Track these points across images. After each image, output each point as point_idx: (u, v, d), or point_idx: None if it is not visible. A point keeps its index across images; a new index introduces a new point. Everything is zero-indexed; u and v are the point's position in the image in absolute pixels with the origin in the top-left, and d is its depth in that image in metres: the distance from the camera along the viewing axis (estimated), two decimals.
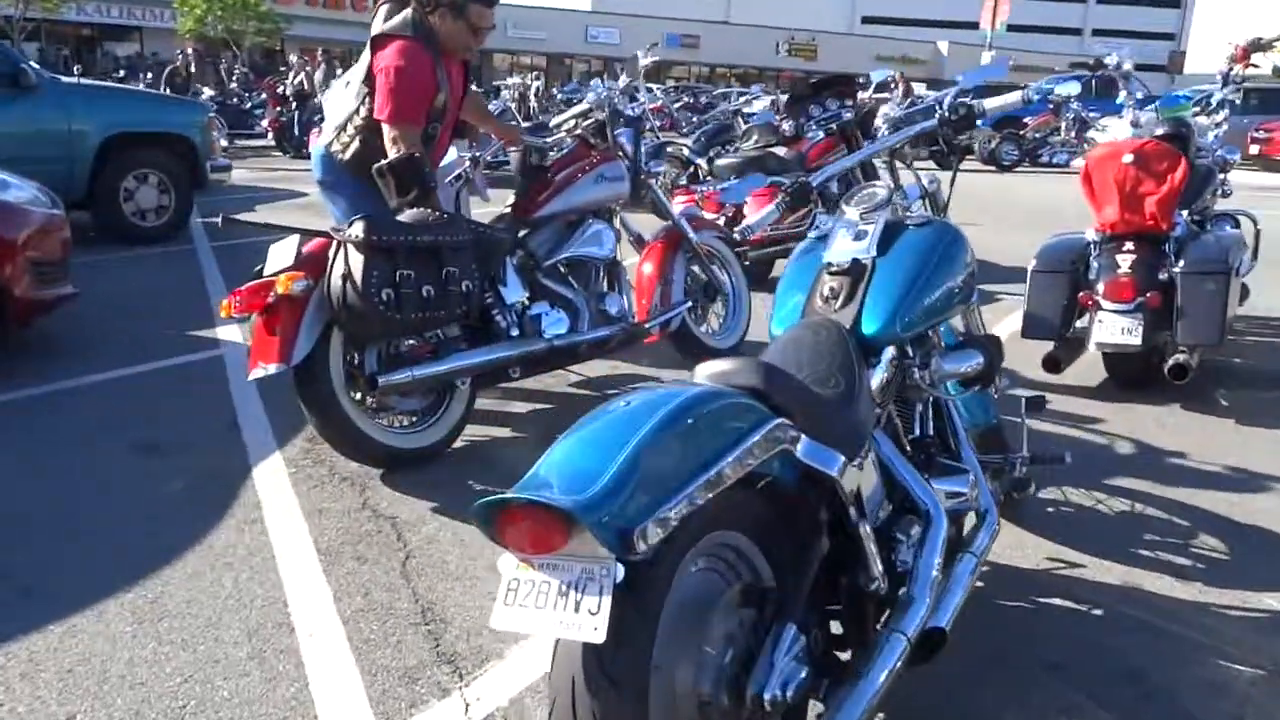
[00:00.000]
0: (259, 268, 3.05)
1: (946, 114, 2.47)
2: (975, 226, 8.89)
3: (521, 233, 3.65)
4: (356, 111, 3.27)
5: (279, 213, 9.08)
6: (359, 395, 3.13)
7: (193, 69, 17.17)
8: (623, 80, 4.29)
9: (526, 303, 3.54)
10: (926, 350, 2.18)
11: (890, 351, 2.05)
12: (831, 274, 2.14)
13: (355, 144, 3.29)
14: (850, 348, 1.92)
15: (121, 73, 19.09)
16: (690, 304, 4.12)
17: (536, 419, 3.72)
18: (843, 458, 1.64)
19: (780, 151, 6.66)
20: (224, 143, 14.31)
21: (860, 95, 7.04)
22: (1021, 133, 17.16)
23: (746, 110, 8.03)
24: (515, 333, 3.43)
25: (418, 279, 2.93)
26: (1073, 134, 14.69)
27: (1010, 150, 17.07)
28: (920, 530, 1.91)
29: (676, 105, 20.55)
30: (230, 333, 4.72)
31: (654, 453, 1.34)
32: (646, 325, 3.83)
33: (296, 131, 15.25)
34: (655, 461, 1.33)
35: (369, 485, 3.06)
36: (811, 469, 1.60)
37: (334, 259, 2.89)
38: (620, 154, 3.99)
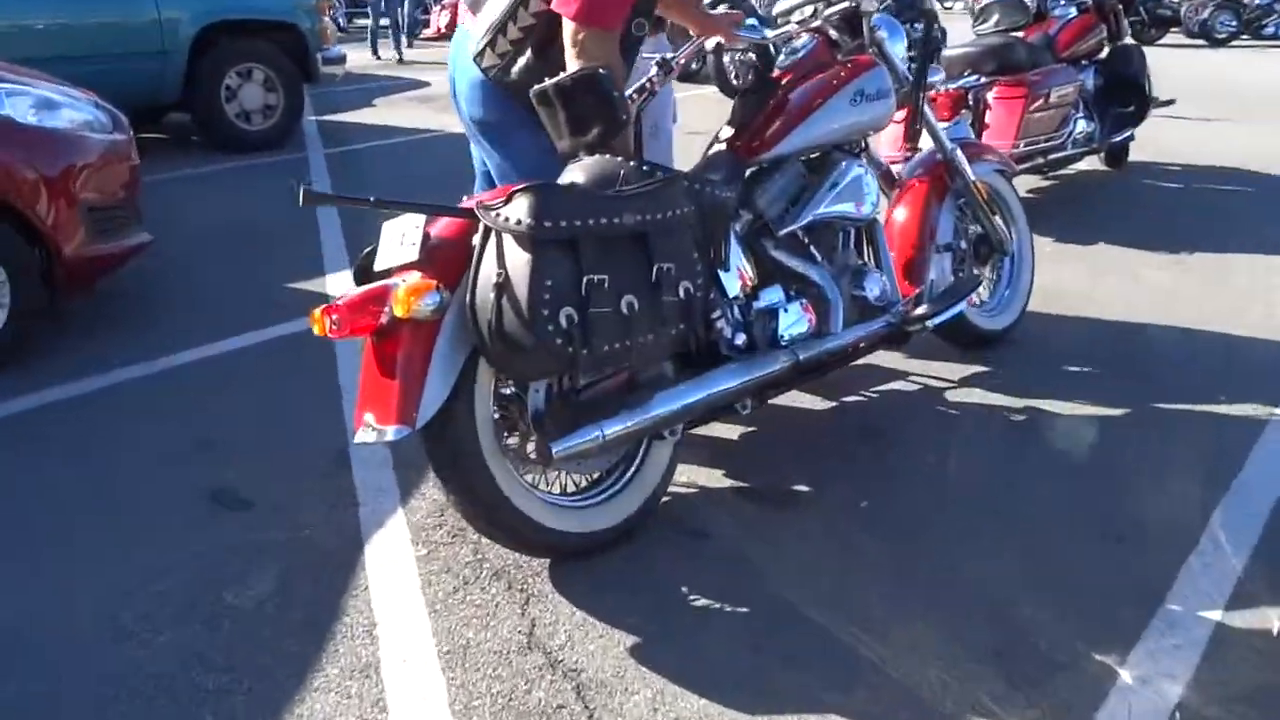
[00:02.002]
0: (368, 251, 1.97)
1: None
2: (1206, 122, 7.06)
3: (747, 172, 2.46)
4: (522, 4, 2.09)
5: (400, 109, 8.04)
6: (511, 440, 2.08)
7: None
8: None
9: (751, 289, 2.39)
10: None
11: None
12: None
13: (524, 57, 2.13)
14: None
15: None
16: (981, 282, 2.87)
17: (754, 447, 2.59)
18: None
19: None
20: (341, 25, 13.26)
21: None
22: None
23: None
24: (740, 340, 2.28)
25: (615, 286, 1.80)
26: None
27: (1227, 20, 14.43)
28: None
29: None
30: (345, 285, 3.72)
31: None
32: (926, 318, 2.58)
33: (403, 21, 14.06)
34: None
35: (532, 591, 2.01)
36: None
37: (481, 256, 1.78)
38: (880, 57, 2.70)
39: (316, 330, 1.83)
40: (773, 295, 2.38)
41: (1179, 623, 1.91)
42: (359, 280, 1.98)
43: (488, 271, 1.76)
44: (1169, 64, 10.25)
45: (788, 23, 2.85)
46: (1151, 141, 5.57)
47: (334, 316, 1.78)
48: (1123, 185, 5.46)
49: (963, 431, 2.67)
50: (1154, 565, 2.08)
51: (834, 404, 2.83)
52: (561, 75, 2.06)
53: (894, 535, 2.19)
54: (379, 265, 1.91)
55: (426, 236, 1.85)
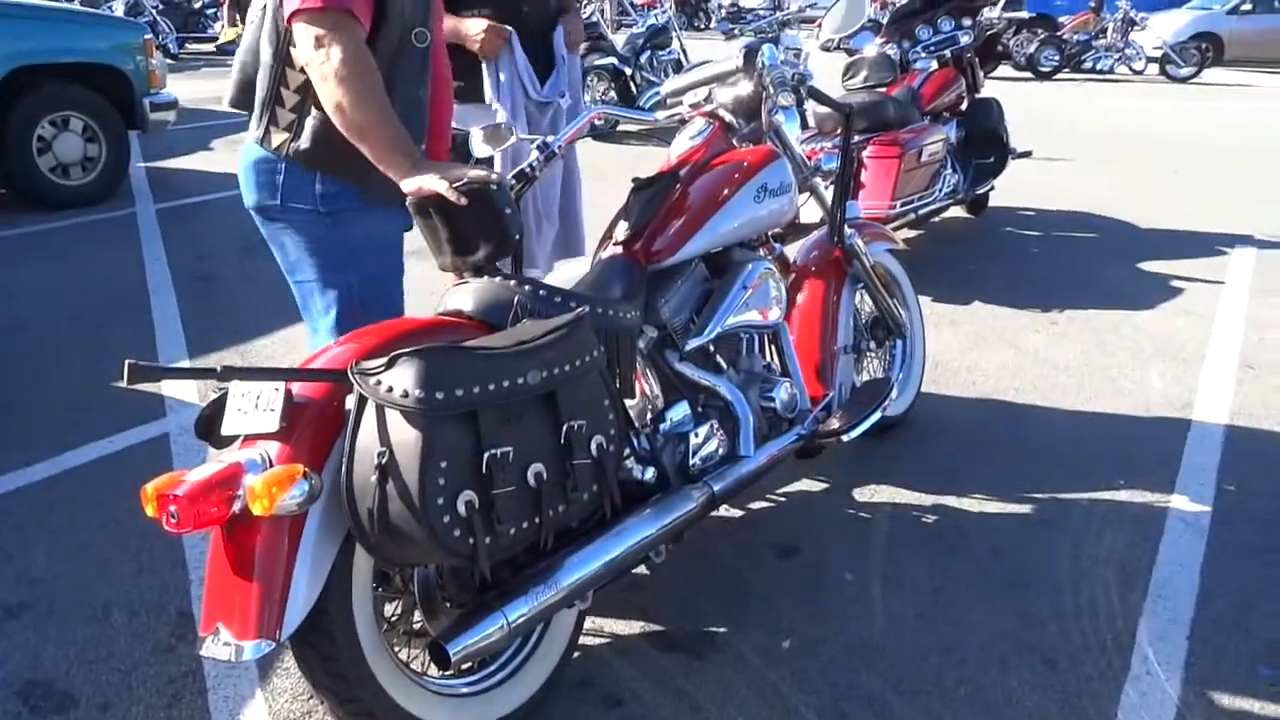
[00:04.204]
0: (215, 399, 1.63)
1: None
2: (1050, 162, 7.38)
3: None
4: (285, 64, 1.88)
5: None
6: (393, 618, 1.78)
7: None
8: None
9: (658, 409, 2.17)
10: None
11: None
12: None
13: (311, 119, 1.89)
14: None
15: None
16: (893, 387, 2.74)
17: (661, 575, 2.36)
18: None
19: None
20: (172, 50, 12.32)
21: (985, 13, 5.53)
22: (1060, 34, 15.54)
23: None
24: (649, 475, 2.06)
25: (520, 457, 1.54)
26: (1119, 36, 12.94)
27: (1050, 55, 15.40)
28: None
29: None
30: (184, 388, 3.29)
31: None
32: (842, 431, 2.41)
33: None
34: None
35: None
36: None
37: (357, 427, 1.49)
38: (779, 144, 2.55)
39: (150, 513, 1.49)
40: (679, 415, 2.17)
41: None
42: (201, 432, 1.65)
43: (367, 447, 1.47)
44: (1004, 99, 10.73)
45: (679, 104, 2.67)
46: (1005, 184, 5.75)
47: (172, 509, 1.44)
48: (987, 233, 5.58)
49: (877, 541, 2.52)
50: (1092, 697, 1.97)
51: (740, 513, 2.64)
52: (456, 184, 1.80)
53: (821, 685, 2.00)
54: (228, 429, 1.58)
55: (289, 397, 1.54)
